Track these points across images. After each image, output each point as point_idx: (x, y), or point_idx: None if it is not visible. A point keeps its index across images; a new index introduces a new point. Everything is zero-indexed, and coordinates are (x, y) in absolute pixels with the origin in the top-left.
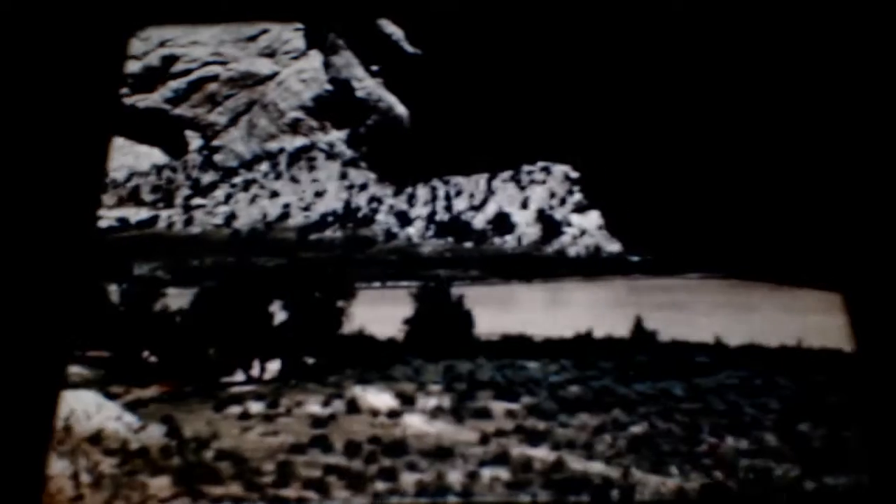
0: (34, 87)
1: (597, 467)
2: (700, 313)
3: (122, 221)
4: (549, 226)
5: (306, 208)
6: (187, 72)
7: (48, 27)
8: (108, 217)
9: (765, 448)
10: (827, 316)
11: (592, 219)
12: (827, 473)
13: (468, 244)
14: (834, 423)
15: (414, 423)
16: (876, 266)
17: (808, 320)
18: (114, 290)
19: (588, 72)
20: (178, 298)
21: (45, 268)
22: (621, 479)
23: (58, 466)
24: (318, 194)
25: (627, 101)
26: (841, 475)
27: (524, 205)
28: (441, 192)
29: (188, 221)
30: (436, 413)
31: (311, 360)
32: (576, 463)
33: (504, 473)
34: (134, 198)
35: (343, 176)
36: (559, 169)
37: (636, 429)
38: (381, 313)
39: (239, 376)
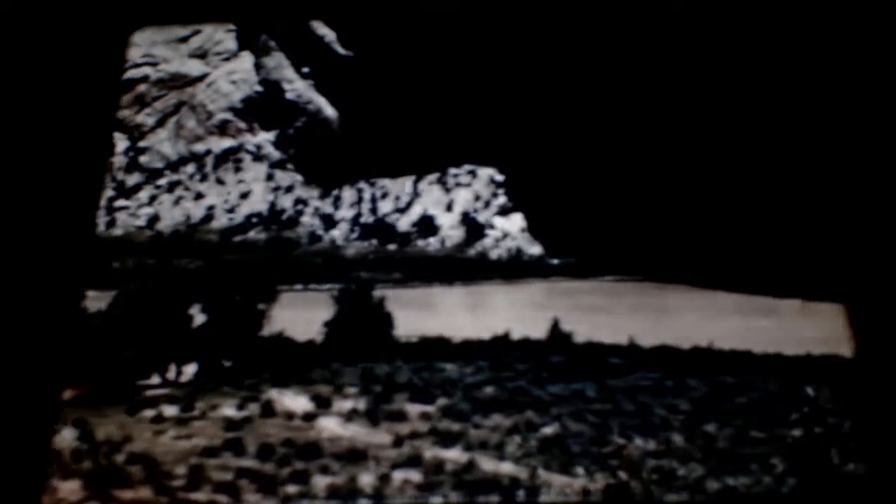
0: (34, 86)
1: (507, 468)
2: (621, 315)
3: None
4: (473, 228)
5: (231, 210)
6: None
7: (48, 26)
8: None
9: (672, 448)
10: (744, 318)
11: (515, 221)
12: (730, 474)
13: (392, 246)
14: (740, 424)
15: (329, 425)
16: (877, 276)
17: (725, 323)
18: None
19: (517, 75)
20: (96, 301)
21: (43, 271)
22: (528, 479)
23: None
24: (244, 196)
25: (553, 105)
26: (742, 475)
27: (449, 207)
28: (367, 195)
29: (110, 223)
30: (351, 416)
31: (228, 363)
32: (487, 464)
33: (416, 475)
34: None
35: (269, 178)
36: (485, 172)
37: (548, 429)
38: (301, 316)
39: (155, 379)
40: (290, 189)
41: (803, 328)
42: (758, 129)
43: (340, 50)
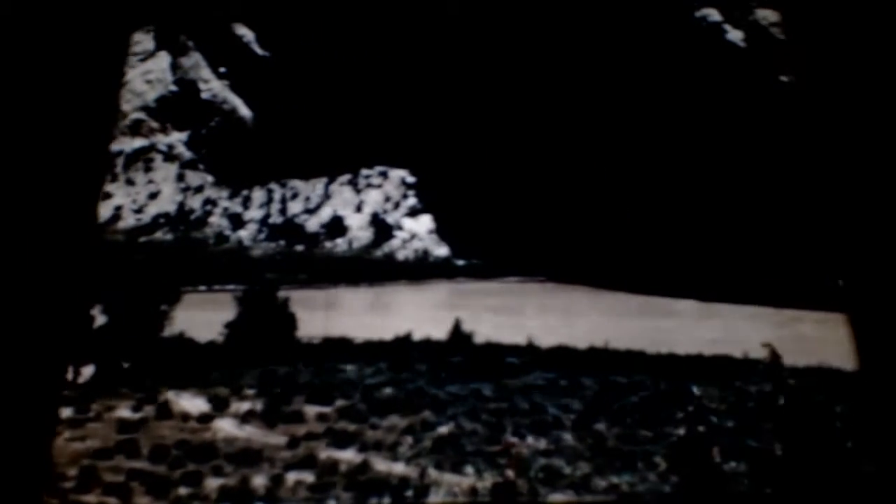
0: (33, 86)
1: (399, 468)
2: (528, 316)
3: None
4: (381, 229)
5: (138, 210)
6: None
7: (48, 26)
8: None
9: (562, 447)
10: (646, 319)
11: (424, 223)
12: (616, 472)
13: (299, 247)
14: (629, 423)
15: (224, 427)
16: (880, 284)
17: (628, 324)
18: None
19: (431, 77)
20: None
21: (43, 274)
22: (418, 479)
23: None
24: (152, 196)
25: (465, 108)
26: (627, 473)
27: (358, 208)
28: (277, 195)
29: None
30: (247, 417)
31: (127, 365)
32: (381, 464)
33: (309, 476)
34: None
35: (180, 178)
36: (397, 173)
37: (443, 429)
38: (204, 317)
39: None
40: (199, 189)
41: (700, 329)
42: (660, 134)
43: (259, 50)
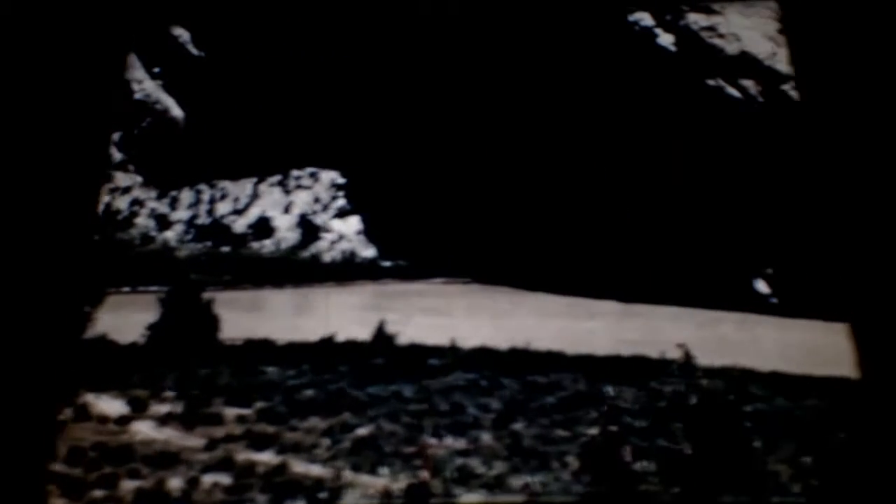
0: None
1: (316, 470)
2: (455, 317)
3: None
4: (309, 231)
5: None
6: None
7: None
8: None
9: (479, 447)
10: (571, 320)
11: (352, 224)
12: (531, 471)
13: (226, 248)
14: (546, 423)
15: (142, 429)
16: (884, 292)
17: (552, 325)
18: None
19: (365, 79)
20: None
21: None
22: (333, 480)
23: None
24: None
25: (396, 109)
26: (541, 472)
27: (287, 209)
28: (206, 196)
29: None
30: (166, 419)
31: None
32: (298, 466)
33: (226, 478)
34: None
35: (108, 179)
36: (327, 175)
37: (362, 431)
38: (127, 318)
39: None
40: (127, 190)
41: (622, 330)
42: (588, 135)
43: (193, 50)
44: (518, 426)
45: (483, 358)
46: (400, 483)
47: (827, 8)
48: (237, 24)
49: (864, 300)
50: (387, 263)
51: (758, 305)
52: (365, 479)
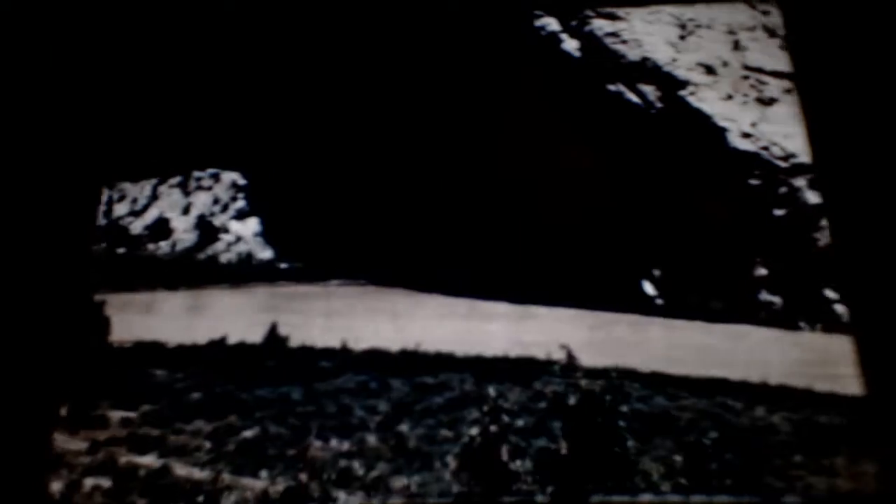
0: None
1: (198, 473)
2: (354, 319)
3: None
4: (206, 232)
5: None
6: None
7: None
8: None
9: (363, 449)
10: (467, 321)
11: (251, 226)
12: (413, 472)
13: (121, 250)
14: (432, 424)
15: None
16: (888, 301)
17: (452, 325)
18: None
19: (268, 80)
20: None
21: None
22: (212, 483)
23: None
24: None
25: (299, 111)
26: (422, 473)
27: (186, 211)
28: (104, 198)
29: None
30: None
31: None
32: (180, 469)
33: (106, 482)
34: None
35: None
36: (229, 176)
37: (247, 433)
38: None
39: None
40: None
41: (518, 331)
42: (486, 139)
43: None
44: (404, 427)
45: (374, 360)
46: (278, 486)
47: (827, 8)
48: (135, 24)
49: (867, 309)
50: (284, 265)
51: (646, 307)
52: (245, 481)
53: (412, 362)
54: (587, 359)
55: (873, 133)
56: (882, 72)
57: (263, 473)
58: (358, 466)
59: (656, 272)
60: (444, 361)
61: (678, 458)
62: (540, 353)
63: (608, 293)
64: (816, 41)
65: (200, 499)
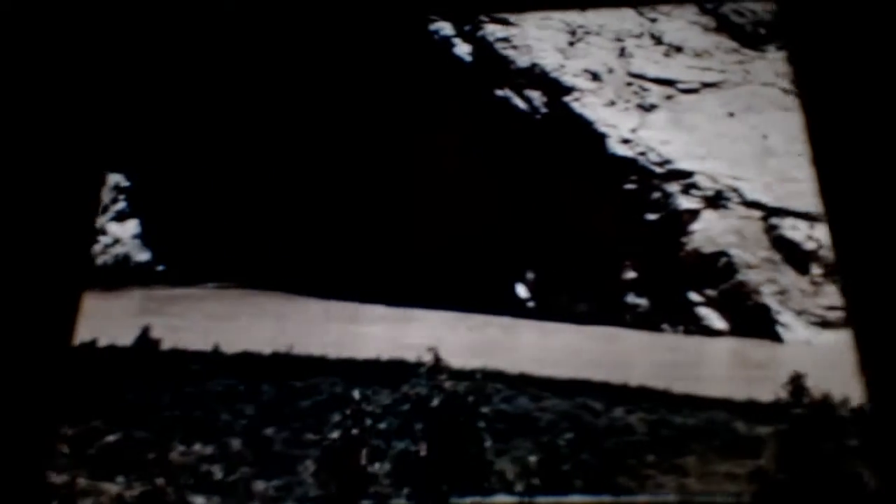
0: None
1: (54, 477)
2: (237, 322)
3: None
4: None
5: None
6: None
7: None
8: None
9: (227, 453)
10: (350, 324)
11: (129, 228)
12: (274, 476)
13: None
14: (298, 427)
15: None
16: (885, 304)
17: (334, 328)
18: None
19: (154, 83)
20: None
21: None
22: (67, 487)
23: None
24: None
25: (185, 114)
26: (283, 477)
27: None
28: None
29: None
30: None
31: None
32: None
33: None
34: None
35: None
36: (112, 177)
37: (110, 438)
38: None
39: None
40: None
41: (396, 334)
42: (376, 143)
43: None
44: (269, 431)
45: (245, 363)
46: (134, 490)
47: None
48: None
49: (867, 310)
50: (161, 268)
51: (519, 310)
52: (101, 485)
53: (283, 365)
54: (461, 360)
55: (873, 133)
56: (882, 73)
57: (120, 478)
58: (218, 470)
59: (529, 275)
60: (315, 364)
61: (532, 458)
62: (412, 356)
63: (490, 297)
64: (817, 45)
65: (55, 503)
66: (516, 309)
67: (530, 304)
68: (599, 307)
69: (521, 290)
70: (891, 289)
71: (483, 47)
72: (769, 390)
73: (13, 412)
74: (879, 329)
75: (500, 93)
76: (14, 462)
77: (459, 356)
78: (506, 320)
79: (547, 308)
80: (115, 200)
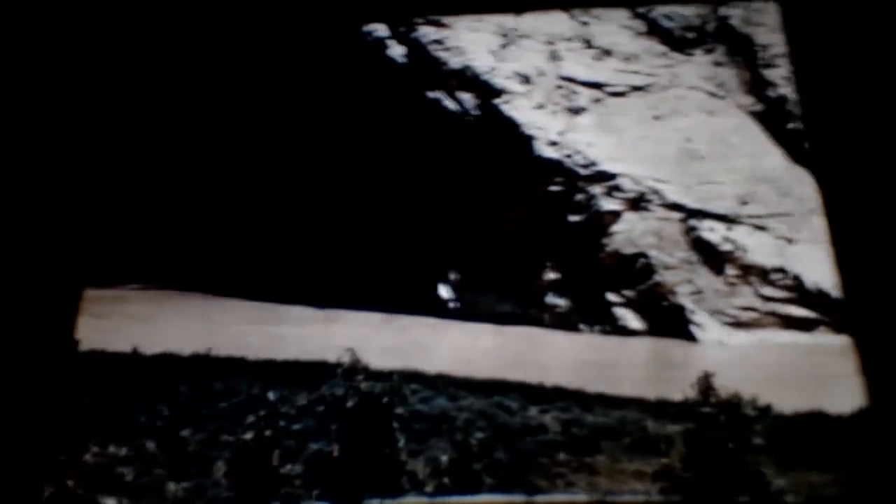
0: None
1: None
2: (158, 323)
3: None
4: None
5: None
6: None
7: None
8: None
9: (141, 455)
10: (274, 326)
11: None
12: (188, 477)
13: None
14: (214, 428)
15: None
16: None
17: (259, 329)
18: None
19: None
20: None
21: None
22: None
23: None
24: None
25: (117, 111)
26: (196, 478)
27: None
28: None
29: None
30: None
31: None
32: None
33: None
34: None
35: None
36: None
37: None
38: None
39: None
40: None
41: (321, 335)
42: (306, 144)
43: None
44: (185, 432)
45: (164, 364)
46: (45, 492)
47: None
48: None
49: (868, 314)
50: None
51: (443, 310)
52: None
53: (203, 367)
54: (382, 361)
55: (872, 134)
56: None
57: None
58: (130, 472)
59: (452, 276)
60: (235, 366)
61: (444, 458)
62: (331, 357)
63: (414, 297)
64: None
65: None
66: (441, 310)
67: (453, 304)
68: (521, 307)
69: (444, 291)
70: (891, 289)
71: (416, 49)
72: (681, 389)
73: (13, 412)
74: (879, 330)
75: (432, 94)
76: (14, 462)
77: (381, 357)
78: (430, 321)
79: (470, 308)
80: None
